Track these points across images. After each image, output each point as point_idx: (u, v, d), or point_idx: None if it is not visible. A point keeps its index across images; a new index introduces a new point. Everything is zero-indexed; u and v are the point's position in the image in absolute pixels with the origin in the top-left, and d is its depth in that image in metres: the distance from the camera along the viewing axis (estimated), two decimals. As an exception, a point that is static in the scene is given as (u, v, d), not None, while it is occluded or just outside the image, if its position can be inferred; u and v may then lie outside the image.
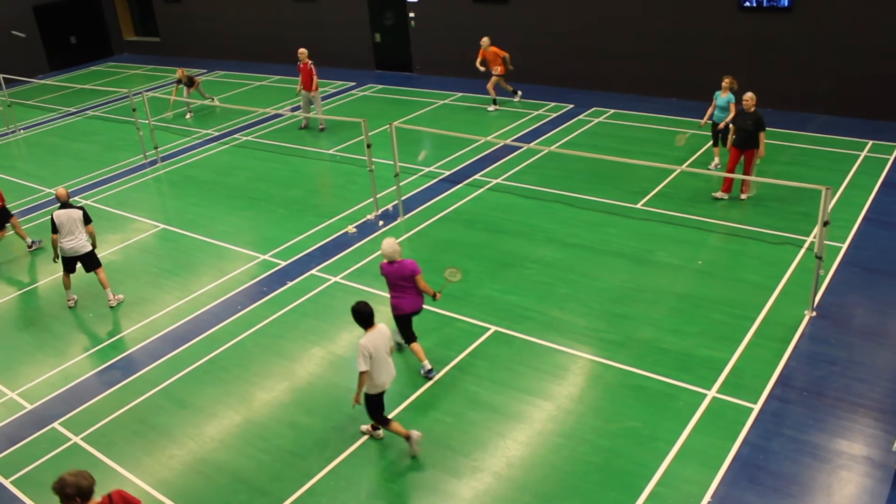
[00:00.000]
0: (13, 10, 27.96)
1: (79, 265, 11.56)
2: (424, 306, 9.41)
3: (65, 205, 11.33)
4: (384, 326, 7.82)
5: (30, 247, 13.85)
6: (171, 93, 21.64)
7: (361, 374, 7.56)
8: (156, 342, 10.62)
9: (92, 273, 11.69)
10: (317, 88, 18.49)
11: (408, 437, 7.99)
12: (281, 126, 19.82)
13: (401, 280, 8.95)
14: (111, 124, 21.59)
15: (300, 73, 18.46)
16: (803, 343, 9.36)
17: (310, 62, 18.32)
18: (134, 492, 7.94)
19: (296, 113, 19.73)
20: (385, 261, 8.97)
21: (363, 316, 7.61)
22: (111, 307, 11.62)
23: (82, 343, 10.85)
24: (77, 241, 11.28)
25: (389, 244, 8.82)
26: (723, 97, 13.85)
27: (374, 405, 7.94)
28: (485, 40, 19.05)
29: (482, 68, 19.29)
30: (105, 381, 9.85)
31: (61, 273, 11.74)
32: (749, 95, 12.58)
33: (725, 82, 13.83)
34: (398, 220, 13.50)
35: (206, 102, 21.71)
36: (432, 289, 9.13)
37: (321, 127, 19.08)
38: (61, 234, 11.21)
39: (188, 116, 21.51)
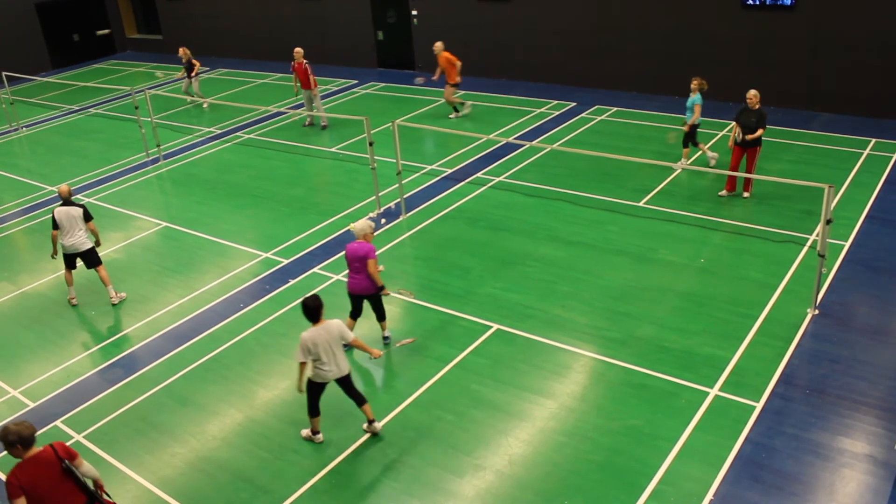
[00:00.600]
0: (16, 7, 27.98)
1: (80, 262, 11.58)
2: (416, 301, 9.40)
3: (66, 202, 11.34)
4: (334, 323, 7.85)
5: None
6: (192, 87, 21.86)
7: (299, 364, 7.82)
8: (158, 340, 10.63)
9: (94, 270, 11.70)
10: (315, 86, 18.49)
11: (315, 433, 8.39)
12: (283, 124, 19.82)
13: (355, 260, 9.21)
14: (113, 122, 21.61)
15: (295, 73, 18.42)
16: (806, 341, 9.35)
17: (305, 62, 18.20)
18: (136, 490, 7.97)
19: (299, 111, 19.72)
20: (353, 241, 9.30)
21: (308, 310, 7.76)
22: (113, 304, 11.64)
23: (84, 341, 10.86)
24: (77, 239, 11.30)
25: (365, 222, 9.26)
26: (691, 98, 13.88)
27: (311, 391, 8.12)
28: (438, 45, 18.53)
29: (435, 78, 18.89)
30: (107, 380, 9.87)
31: (63, 271, 11.79)
32: (753, 93, 12.54)
33: (694, 84, 13.84)
34: (400, 218, 13.50)
35: (198, 99, 21.84)
36: (381, 280, 9.35)
37: (323, 124, 19.07)
38: (61, 231, 11.25)
39: (190, 101, 21.96)
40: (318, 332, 7.77)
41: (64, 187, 11.43)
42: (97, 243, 11.58)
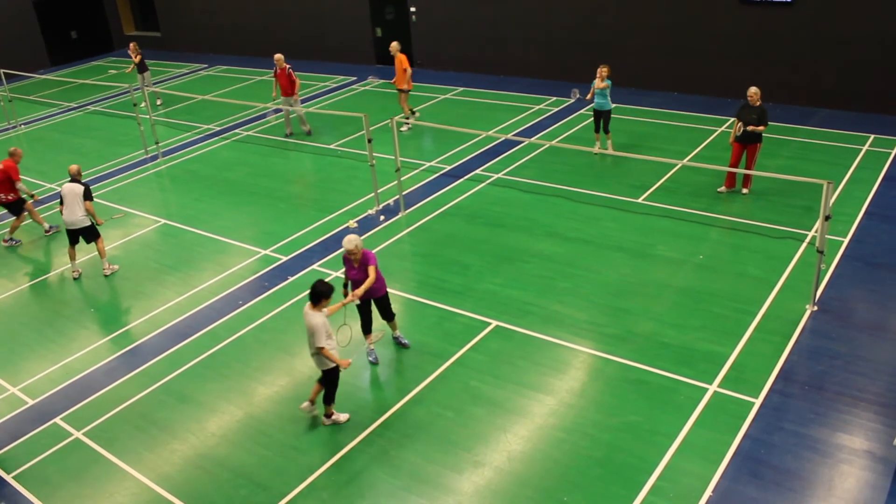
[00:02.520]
0: (14, 5, 27.94)
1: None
2: (415, 297, 9.37)
3: (72, 179, 12.10)
4: (315, 320, 7.91)
5: (47, 231, 14.27)
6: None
7: None
8: (157, 337, 10.63)
9: (98, 268, 11.80)
10: (297, 92, 17.87)
11: (311, 401, 8.68)
12: (281, 121, 19.77)
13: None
14: (112, 119, 21.58)
15: (276, 80, 17.76)
16: (804, 337, 9.36)
17: (287, 66, 17.63)
18: (135, 487, 7.97)
19: (279, 119, 19.47)
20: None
21: (311, 291, 8.01)
22: (105, 276, 12.24)
23: (84, 338, 10.85)
24: (74, 216, 11.94)
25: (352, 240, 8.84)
26: (601, 86, 14.68)
27: None
28: (394, 45, 17.66)
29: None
30: (106, 377, 9.86)
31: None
32: (753, 90, 12.52)
33: (604, 71, 14.61)
34: (399, 215, 13.50)
35: (153, 89, 22.24)
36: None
37: (307, 129, 18.37)
38: (64, 206, 11.97)
39: (158, 102, 22.37)
40: (306, 315, 8.03)
41: (73, 166, 12.29)
42: (97, 222, 12.18)
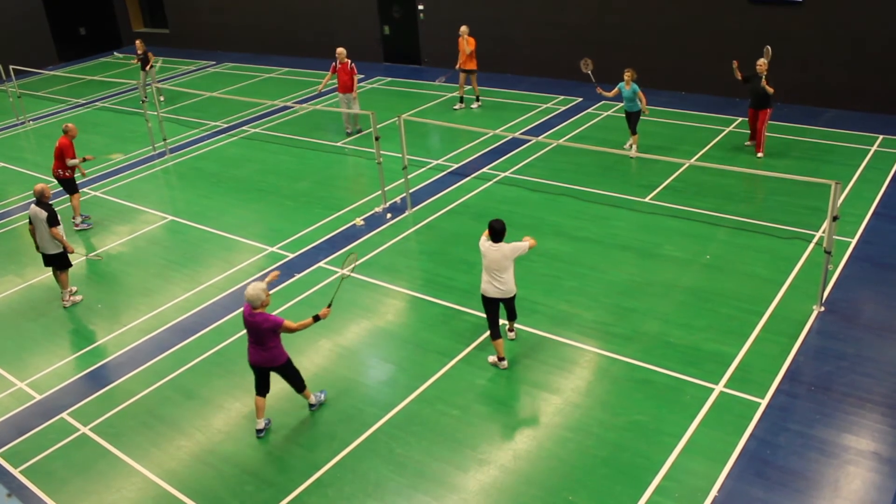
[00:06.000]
0: (23, 1, 28.01)
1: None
2: (422, 296, 9.36)
3: (37, 202, 11.10)
4: (508, 247, 8.71)
5: (78, 224, 14.18)
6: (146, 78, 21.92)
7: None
8: (164, 333, 10.66)
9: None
10: (355, 89, 17.69)
11: (500, 359, 9.18)
12: (289, 118, 19.82)
13: (255, 333, 8.15)
14: (120, 116, 21.63)
15: (337, 74, 17.44)
16: (811, 338, 9.33)
17: (349, 61, 17.37)
18: (141, 483, 8.00)
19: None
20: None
21: (492, 230, 8.81)
22: (64, 307, 11.51)
23: (91, 334, 10.89)
24: (43, 241, 11.14)
25: (258, 287, 7.96)
26: (627, 89, 14.74)
27: (484, 308, 9.11)
28: (464, 29, 18.47)
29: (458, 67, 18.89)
30: (113, 372, 9.90)
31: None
32: (762, 61, 14.05)
33: (627, 75, 14.70)
34: (406, 213, 13.50)
35: (156, 86, 21.97)
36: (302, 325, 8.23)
37: (358, 128, 18.19)
38: (35, 229, 11.16)
39: (161, 98, 22.21)
40: (492, 249, 8.74)
41: (37, 186, 11.13)
42: (67, 250, 11.26)
